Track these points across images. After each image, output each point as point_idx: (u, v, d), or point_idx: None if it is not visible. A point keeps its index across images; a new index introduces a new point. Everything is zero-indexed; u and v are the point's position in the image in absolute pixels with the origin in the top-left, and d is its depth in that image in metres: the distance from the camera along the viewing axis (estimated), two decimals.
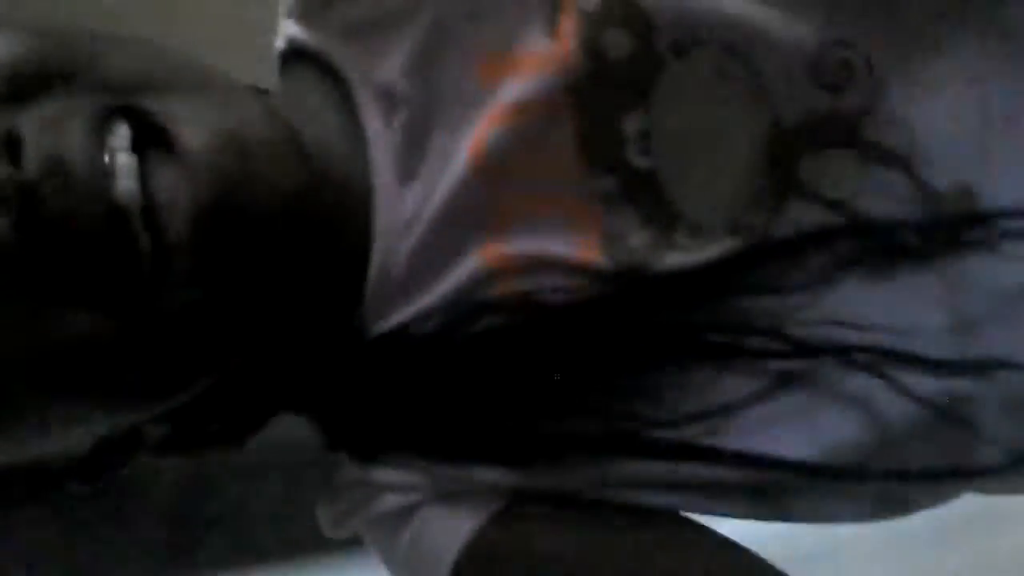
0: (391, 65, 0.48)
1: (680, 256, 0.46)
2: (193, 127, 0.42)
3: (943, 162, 0.46)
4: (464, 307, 0.47)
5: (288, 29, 0.52)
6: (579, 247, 0.46)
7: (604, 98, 0.46)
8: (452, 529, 0.47)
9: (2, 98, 0.42)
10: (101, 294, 0.41)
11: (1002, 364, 0.46)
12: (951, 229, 0.46)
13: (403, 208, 0.48)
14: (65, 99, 0.42)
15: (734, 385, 0.46)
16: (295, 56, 0.52)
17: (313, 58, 0.50)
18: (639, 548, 0.47)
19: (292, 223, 0.44)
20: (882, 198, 0.46)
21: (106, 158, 0.40)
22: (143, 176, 0.41)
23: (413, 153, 0.48)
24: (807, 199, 0.46)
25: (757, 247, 0.46)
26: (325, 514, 0.51)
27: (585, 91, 0.46)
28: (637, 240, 0.46)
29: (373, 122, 0.49)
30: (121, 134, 0.41)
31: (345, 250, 0.48)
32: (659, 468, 0.46)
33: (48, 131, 0.41)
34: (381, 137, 0.49)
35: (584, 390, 0.47)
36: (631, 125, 0.46)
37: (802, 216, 0.45)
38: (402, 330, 0.48)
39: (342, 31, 0.50)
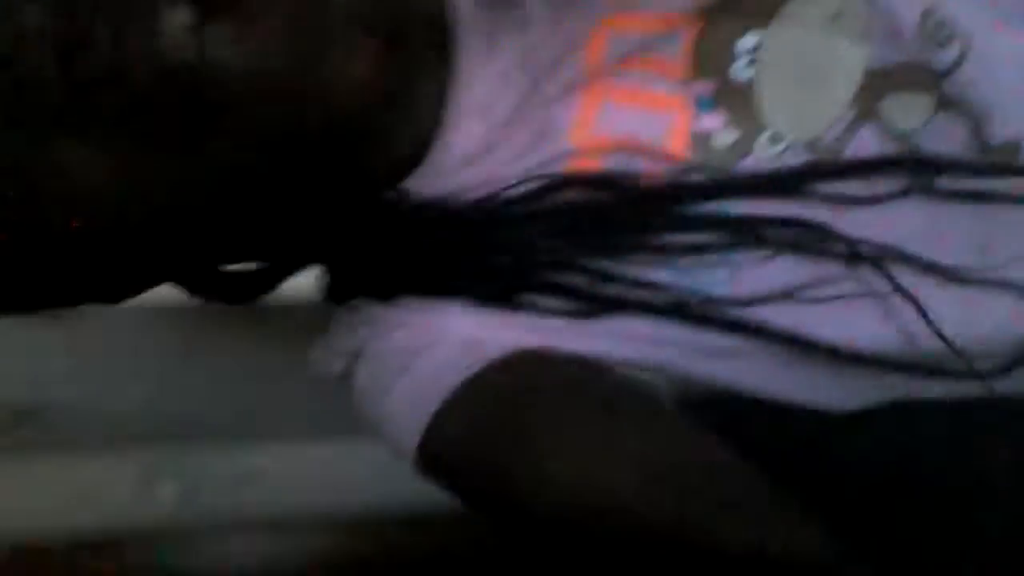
0: None
1: (755, 161, 0.51)
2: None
3: (1002, 121, 0.52)
4: (539, 181, 0.50)
5: None
6: (668, 138, 0.50)
7: (730, 17, 0.50)
8: (457, 364, 0.50)
9: None
10: (148, 140, 0.42)
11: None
12: (994, 176, 0.51)
13: (485, 87, 0.51)
14: None
15: (780, 271, 0.50)
16: None
17: None
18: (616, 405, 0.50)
19: (340, 113, 0.45)
20: (942, 140, 0.52)
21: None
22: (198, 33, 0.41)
23: (514, 57, 0.51)
24: (879, 128, 0.51)
25: (825, 163, 0.51)
26: (322, 348, 0.54)
27: (714, 11, 0.50)
28: (721, 141, 0.51)
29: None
30: None
31: (411, 125, 0.50)
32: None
33: None
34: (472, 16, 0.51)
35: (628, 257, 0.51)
36: (745, 43, 0.50)
37: (870, 141, 0.51)
38: (442, 200, 0.51)
39: None
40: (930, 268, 0.50)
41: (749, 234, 0.50)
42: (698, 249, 0.50)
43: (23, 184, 0.42)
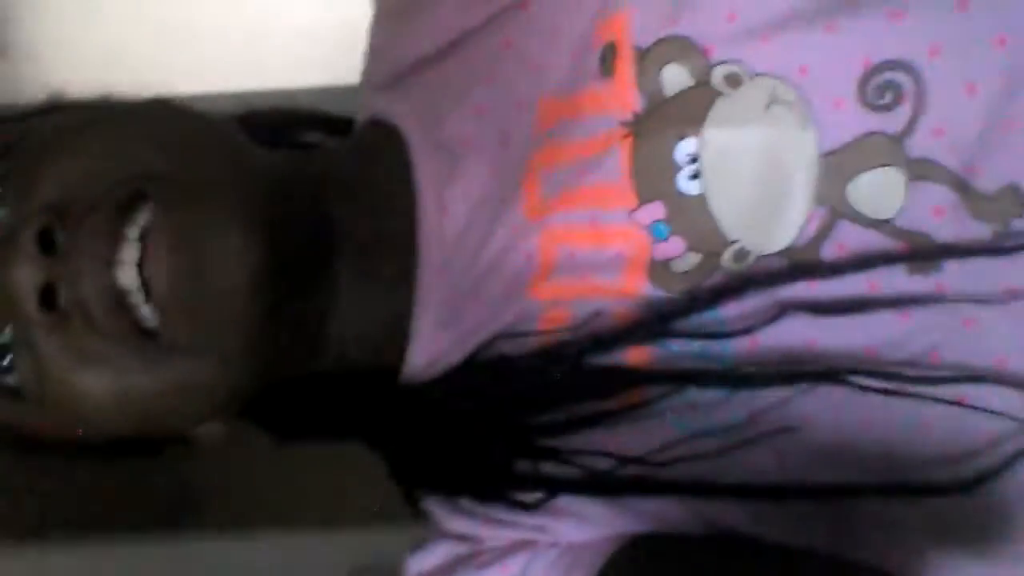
0: (450, 121, 0.51)
1: (719, 277, 0.47)
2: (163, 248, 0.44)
3: (989, 166, 0.45)
4: (504, 346, 0.49)
5: (367, 99, 0.56)
6: (623, 276, 0.48)
7: (658, 130, 0.47)
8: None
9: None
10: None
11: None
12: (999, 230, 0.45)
13: (450, 254, 0.50)
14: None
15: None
16: (370, 123, 0.56)
17: (383, 123, 0.54)
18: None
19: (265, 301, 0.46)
20: (927, 213, 0.46)
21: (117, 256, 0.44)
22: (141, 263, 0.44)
23: (466, 210, 0.50)
24: (855, 220, 0.46)
25: (801, 267, 0.46)
26: (413, 566, 0.53)
27: (640, 125, 0.47)
28: (683, 265, 0.47)
29: (425, 177, 0.51)
30: (133, 228, 0.44)
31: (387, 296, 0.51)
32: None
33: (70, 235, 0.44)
34: (431, 185, 0.51)
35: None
36: (682, 151, 0.46)
37: (848, 238, 0.46)
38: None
39: (412, 94, 0.53)
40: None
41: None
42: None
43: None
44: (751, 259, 0.46)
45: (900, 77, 0.45)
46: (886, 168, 0.45)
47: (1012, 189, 0.45)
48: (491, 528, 0.51)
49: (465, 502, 0.52)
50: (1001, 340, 0.45)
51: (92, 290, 0.44)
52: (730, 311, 0.46)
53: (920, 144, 0.45)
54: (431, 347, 0.51)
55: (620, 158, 0.47)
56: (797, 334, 0.46)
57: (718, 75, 0.46)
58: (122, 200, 0.44)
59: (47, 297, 0.44)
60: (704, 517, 0.48)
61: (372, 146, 0.54)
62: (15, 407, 0.47)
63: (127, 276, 0.44)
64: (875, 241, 0.45)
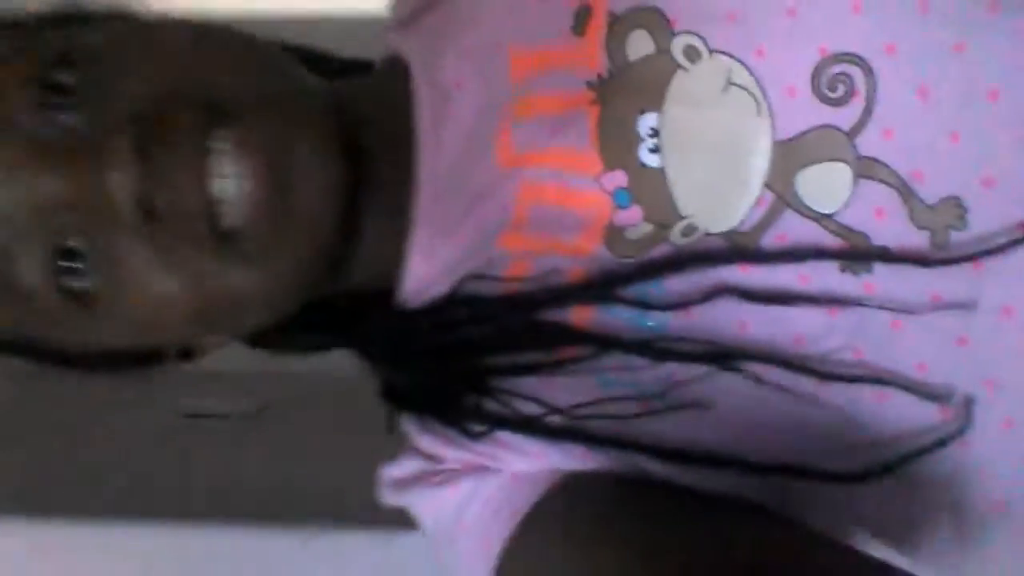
0: (446, 61, 0.53)
1: (666, 249, 0.48)
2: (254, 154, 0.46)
3: (933, 174, 0.45)
4: (471, 288, 0.52)
5: (389, 35, 0.58)
6: (580, 235, 0.49)
7: (623, 97, 0.48)
8: (503, 507, 0.51)
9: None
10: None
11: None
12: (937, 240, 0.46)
13: (441, 190, 0.52)
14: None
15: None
16: (390, 58, 0.58)
17: (398, 59, 0.56)
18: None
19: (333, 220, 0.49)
20: (867, 213, 0.46)
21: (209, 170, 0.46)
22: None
23: (455, 150, 0.52)
24: (799, 211, 0.47)
25: (739, 251, 0.47)
26: (386, 475, 0.56)
27: (606, 89, 0.48)
28: (635, 233, 0.48)
29: (424, 114, 0.52)
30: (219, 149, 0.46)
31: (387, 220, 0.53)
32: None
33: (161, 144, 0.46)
34: (429, 121, 0.52)
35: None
36: (644, 124, 0.48)
37: (790, 228, 0.47)
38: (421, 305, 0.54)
39: (420, 33, 0.55)
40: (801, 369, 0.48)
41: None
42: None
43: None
44: (696, 236, 0.48)
45: (853, 71, 0.45)
46: (835, 163, 0.46)
47: (955, 201, 0.45)
48: (451, 449, 0.54)
49: (434, 424, 0.55)
50: (922, 347, 0.46)
51: (189, 198, 0.45)
52: (672, 286, 0.48)
53: (869, 142, 0.45)
54: (419, 275, 0.53)
55: (587, 124, 0.48)
56: (729, 317, 0.48)
57: (678, 46, 0.47)
58: (212, 115, 0.46)
59: (143, 203, 0.45)
60: (631, 465, 0.51)
61: (389, 81, 0.56)
62: (80, 313, 0.49)
63: (219, 186, 0.45)
64: (815, 234, 0.46)
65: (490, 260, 0.52)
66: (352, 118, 0.52)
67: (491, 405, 0.53)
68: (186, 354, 0.57)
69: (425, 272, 0.53)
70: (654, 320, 0.49)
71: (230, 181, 0.46)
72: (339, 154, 0.49)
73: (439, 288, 0.53)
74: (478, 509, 0.52)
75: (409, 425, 0.57)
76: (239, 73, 0.49)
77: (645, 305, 0.48)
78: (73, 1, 0.56)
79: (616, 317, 0.49)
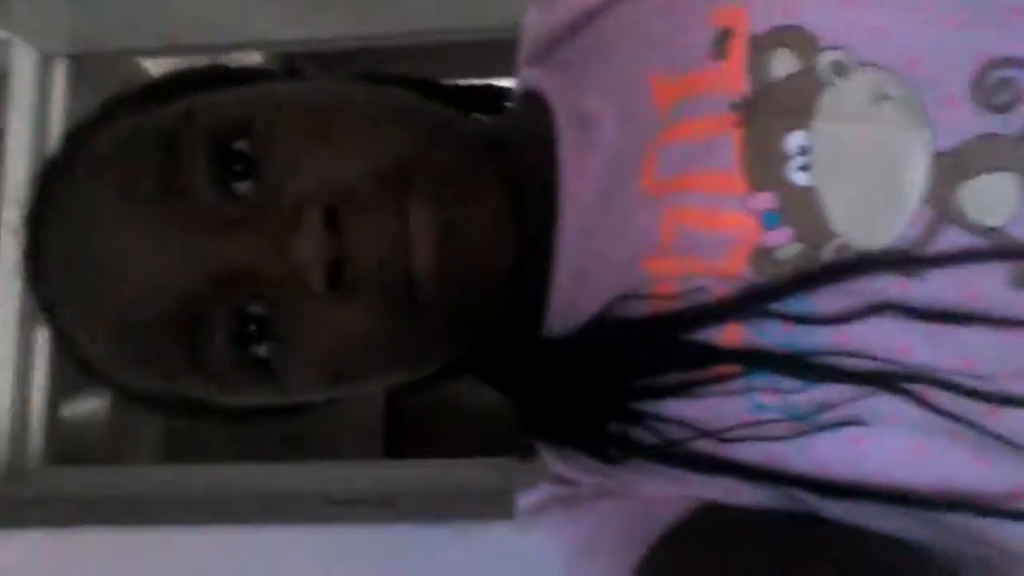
0: (586, 94, 0.53)
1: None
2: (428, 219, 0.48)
3: None
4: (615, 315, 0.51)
5: (521, 72, 0.60)
6: (727, 258, 0.48)
7: (768, 117, 0.47)
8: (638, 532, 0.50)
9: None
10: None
11: None
12: None
13: (586, 218, 0.52)
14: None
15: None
16: (524, 93, 0.60)
17: (533, 93, 0.58)
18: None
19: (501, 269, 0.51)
20: None
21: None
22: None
23: (599, 177, 0.52)
24: (962, 225, 0.44)
25: (903, 259, 0.45)
26: (523, 501, 0.56)
27: (750, 110, 0.48)
28: (785, 254, 0.47)
29: (568, 146, 0.53)
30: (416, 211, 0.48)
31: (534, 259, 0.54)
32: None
33: (360, 210, 0.48)
34: (573, 152, 0.53)
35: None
36: (792, 142, 0.46)
37: (954, 243, 0.44)
38: (563, 336, 0.54)
39: (555, 68, 0.57)
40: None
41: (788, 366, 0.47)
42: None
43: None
44: (851, 255, 0.46)
45: (1018, 75, 0.43)
46: (1001, 173, 0.44)
47: None
48: (587, 474, 0.54)
49: (570, 450, 0.55)
50: None
51: (381, 265, 0.47)
52: (826, 304, 0.46)
53: None
54: (565, 303, 0.53)
55: (732, 147, 0.47)
56: (888, 336, 0.45)
57: (824, 61, 0.46)
58: (400, 182, 0.48)
59: (332, 272, 0.47)
60: (782, 498, 0.48)
61: (525, 115, 0.58)
62: (262, 379, 0.51)
63: (415, 254, 0.47)
64: (979, 248, 0.44)
65: (633, 285, 0.51)
66: (500, 151, 0.53)
67: (635, 431, 0.51)
68: (332, 401, 0.59)
69: (570, 299, 0.53)
70: (806, 341, 0.46)
71: (425, 246, 0.47)
72: (502, 195, 0.51)
73: (584, 314, 0.52)
74: (615, 532, 0.51)
75: (544, 451, 0.57)
76: (421, 141, 0.50)
77: (801, 320, 0.46)
78: (221, 63, 0.59)
79: (767, 337, 0.47)
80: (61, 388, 1.25)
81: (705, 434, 0.48)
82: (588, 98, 0.53)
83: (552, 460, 0.56)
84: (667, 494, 0.50)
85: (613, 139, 0.51)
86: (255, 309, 0.49)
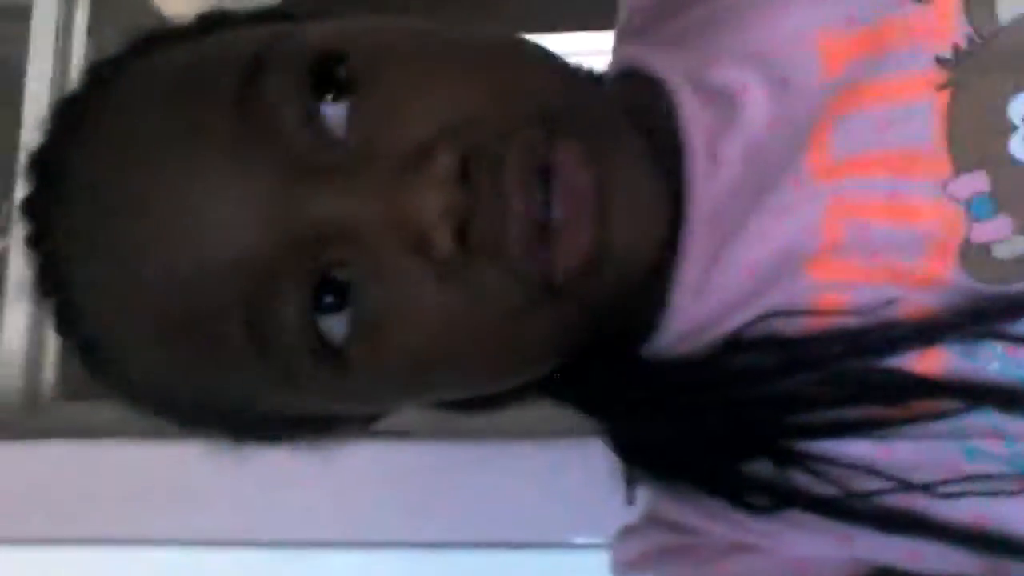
0: (722, 67, 0.45)
1: None
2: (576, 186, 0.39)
3: None
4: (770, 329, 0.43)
5: (618, 49, 0.51)
6: (928, 258, 0.40)
7: (989, 74, 0.39)
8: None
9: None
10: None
11: None
12: None
13: (721, 209, 0.44)
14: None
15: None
16: (622, 74, 0.50)
17: (636, 72, 0.48)
18: None
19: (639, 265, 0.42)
20: None
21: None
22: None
23: (740, 162, 0.44)
24: None
25: None
26: (622, 550, 0.48)
27: (964, 66, 0.39)
28: (1009, 250, 0.39)
29: (694, 128, 0.45)
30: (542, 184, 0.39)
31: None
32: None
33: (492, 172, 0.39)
34: (701, 135, 0.45)
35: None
36: (1019, 106, 0.38)
37: None
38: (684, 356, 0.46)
39: (661, 43, 0.48)
40: None
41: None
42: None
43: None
44: None
45: None
46: None
47: None
48: (710, 522, 0.45)
49: (687, 490, 0.46)
50: None
51: (517, 227, 0.38)
52: None
53: None
54: (689, 313, 0.45)
55: (933, 114, 0.39)
56: None
57: None
58: (540, 135, 0.39)
59: (461, 234, 0.38)
60: (985, 564, 0.40)
61: (631, 97, 0.48)
62: (327, 371, 0.41)
63: (561, 217, 0.38)
64: None
65: (790, 294, 0.43)
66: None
67: (793, 474, 0.43)
68: (372, 418, 0.50)
69: (693, 314, 0.45)
70: None
71: (574, 222, 0.38)
72: (656, 173, 0.42)
73: (712, 332, 0.45)
74: None
75: (651, 489, 0.49)
76: (561, 85, 0.42)
77: None
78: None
79: (980, 363, 0.39)
80: None
81: (906, 485, 0.40)
82: (723, 70, 0.45)
83: (662, 502, 0.48)
84: (824, 554, 0.42)
85: (764, 116, 0.44)
86: (339, 275, 0.40)
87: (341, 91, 0.40)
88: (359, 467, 0.92)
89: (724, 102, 0.44)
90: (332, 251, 0.39)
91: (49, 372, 1.20)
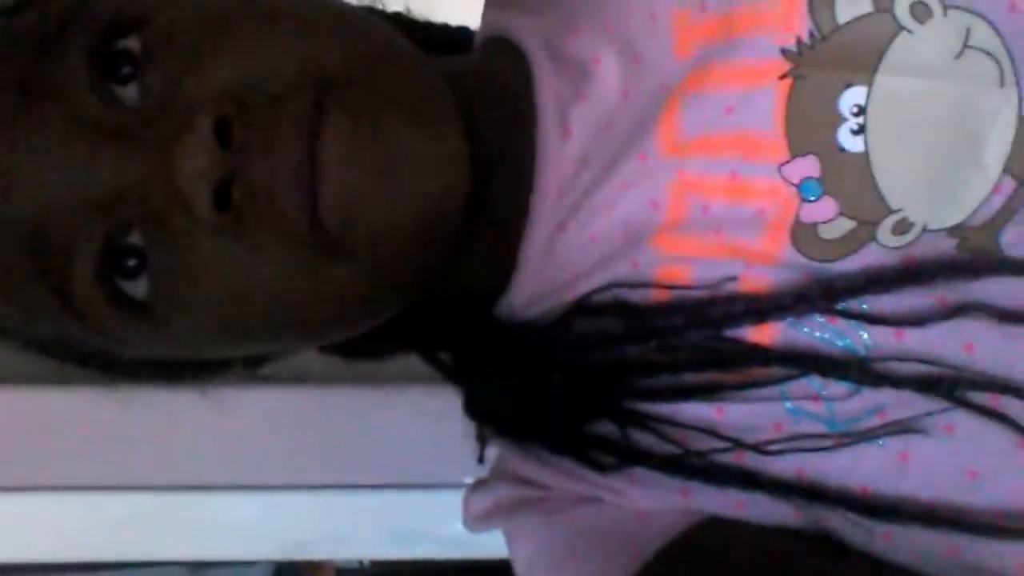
0: (579, 37, 0.46)
1: (875, 254, 0.41)
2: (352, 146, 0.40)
3: None
4: (610, 297, 0.45)
5: (486, 15, 0.51)
6: (762, 236, 0.42)
7: (826, 67, 0.40)
8: (649, 524, 0.45)
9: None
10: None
11: None
12: None
13: (567, 180, 0.45)
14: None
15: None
16: (489, 40, 0.51)
17: (500, 39, 0.49)
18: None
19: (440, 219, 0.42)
20: None
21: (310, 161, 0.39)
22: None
23: (590, 135, 0.45)
24: None
25: (986, 262, 0.39)
26: (474, 504, 0.50)
27: (804, 58, 0.40)
28: (831, 232, 0.41)
29: (547, 96, 0.46)
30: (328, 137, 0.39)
31: (497, 230, 0.46)
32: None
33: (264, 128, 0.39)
34: (553, 104, 0.46)
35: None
36: (849, 99, 0.40)
37: None
38: (531, 319, 0.47)
39: (529, 10, 0.48)
40: None
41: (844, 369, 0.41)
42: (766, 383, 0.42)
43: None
44: (913, 233, 0.40)
45: None
46: None
47: None
48: (559, 479, 0.47)
49: (538, 449, 0.48)
50: None
51: (290, 191, 0.39)
52: (886, 301, 0.40)
53: None
54: (536, 277, 0.46)
55: (774, 102, 0.41)
56: (954, 337, 0.39)
57: (904, 3, 0.40)
58: (320, 97, 0.39)
59: (221, 194, 0.39)
60: (802, 512, 0.43)
61: (492, 63, 0.50)
62: (138, 321, 0.42)
63: (325, 176, 0.39)
64: None
65: (635, 265, 0.44)
66: (462, 98, 0.44)
67: (634, 434, 0.45)
68: (254, 362, 0.51)
69: (540, 277, 0.46)
70: (852, 338, 0.41)
71: (336, 169, 0.39)
72: (459, 134, 0.42)
73: (559, 297, 0.46)
74: (592, 544, 0.45)
75: (502, 447, 0.51)
76: (360, 54, 0.42)
77: (862, 318, 0.40)
78: None
79: (807, 335, 0.41)
80: None
81: (738, 444, 0.42)
82: (579, 41, 0.46)
83: (512, 459, 0.49)
84: (664, 506, 0.45)
85: (616, 89, 0.44)
86: (133, 239, 0.41)
87: (133, 58, 0.41)
88: (255, 412, 0.93)
89: (578, 72, 0.45)
90: (121, 211, 0.41)
91: None
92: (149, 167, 0.40)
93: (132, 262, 0.41)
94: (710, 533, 0.43)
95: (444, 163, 0.42)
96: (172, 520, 0.97)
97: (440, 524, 0.93)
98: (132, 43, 0.41)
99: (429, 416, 0.88)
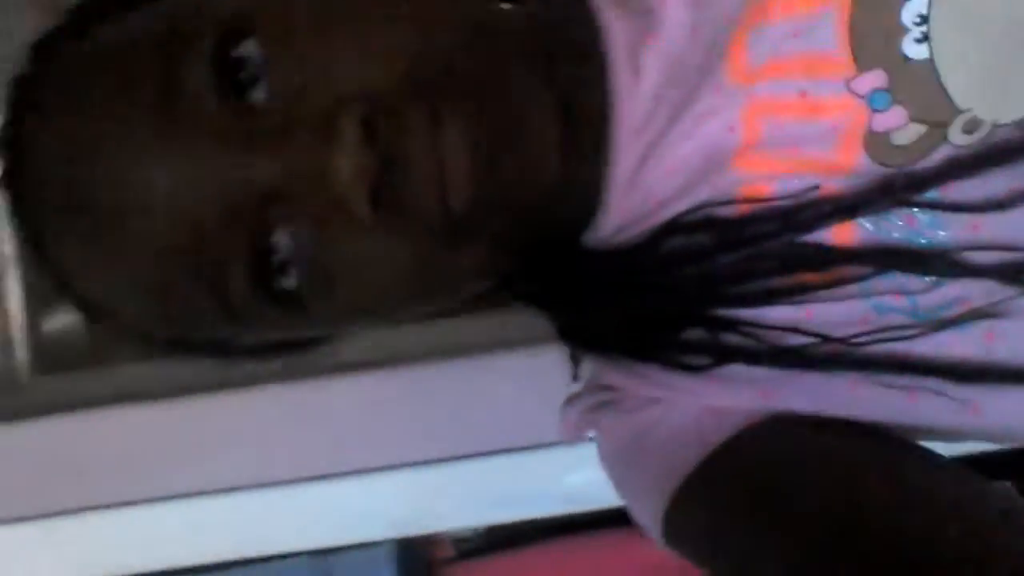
0: None
1: (947, 155, 0.43)
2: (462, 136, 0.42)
3: None
4: (702, 215, 0.47)
5: None
6: (837, 149, 0.44)
7: None
8: (693, 440, 0.48)
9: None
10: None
11: None
12: None
13: (645, 118, 0.47)
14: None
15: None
16: None
17: None
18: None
19: (545, 197, 0.45)
20: None
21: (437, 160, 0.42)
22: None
23: (664, 68, 0.47)
24: None
25: None
26: (566, 416, 0.54)
27: None
28: (904, 138, 0.43)
29: (617, 37, 0.47)
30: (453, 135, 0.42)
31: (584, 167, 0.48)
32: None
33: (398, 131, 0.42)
34: (623, 46, 0.47)
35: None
36: (911, 9, 0.42)
37: None
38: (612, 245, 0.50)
39: None
40: None
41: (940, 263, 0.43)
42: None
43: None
44: (984, 130, 0.42)
45: None
46: None
47: None
48: (636, 381, 0.50)
49: (624, 360, 0.51)
50: None
51: (420, 187, 0.42)
52: (951, 192, 0.43)
53: None
54: (621, 213, 0.49)
55: (836, 22, 0.43)
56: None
57: None
58: (433, 89, 0.42)
59: (375, 194, 0.41)
60: (878, 405, 0.46)
61: (559, 11, 0.51)
62: (289, 312, 0.46)
63: (453, 171, 0.42)
64: None
65: (719, 188, 0.47)
66: (539, 50, 0.47)
67: (726, 337, 0.47)
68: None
69: (626, 210, 0.49)
70: (930, 234, 0.43)
71: (456, 173, 0.42)
72: (553, 103, 0.45)
73: (646, 224, 0.49)
74: (664, 435, 0.49)
75: (592, 362, 0.54)
76: (458, 45, 0.44)
77: (953, 207, 0.42)
78: None
79: (886, 234, 0.44)
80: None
81: (826, 339, 0.45)
82: None
83: (601, 369, 0.52)
84: (737, 405, 0.47)
85: (685, 22, 0.46)
86: (280, 237, 0.44)
87: (252, 62, 0.43)
88: (352, 399, 0.95)
89: (644, 14, 0.47)
90: (271, 211, 0.43)
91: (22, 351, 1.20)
92: (299, 170, 0.42)
93: (278, 258, 0.44)
94: (778, 426, 0.46)
95: (545, 139, 0.44)
96: (287, 513, 0.99)
97: (544, 482, 0.94)
98: (250, 48, 0.43)
99: (522, 379, 0.89)
